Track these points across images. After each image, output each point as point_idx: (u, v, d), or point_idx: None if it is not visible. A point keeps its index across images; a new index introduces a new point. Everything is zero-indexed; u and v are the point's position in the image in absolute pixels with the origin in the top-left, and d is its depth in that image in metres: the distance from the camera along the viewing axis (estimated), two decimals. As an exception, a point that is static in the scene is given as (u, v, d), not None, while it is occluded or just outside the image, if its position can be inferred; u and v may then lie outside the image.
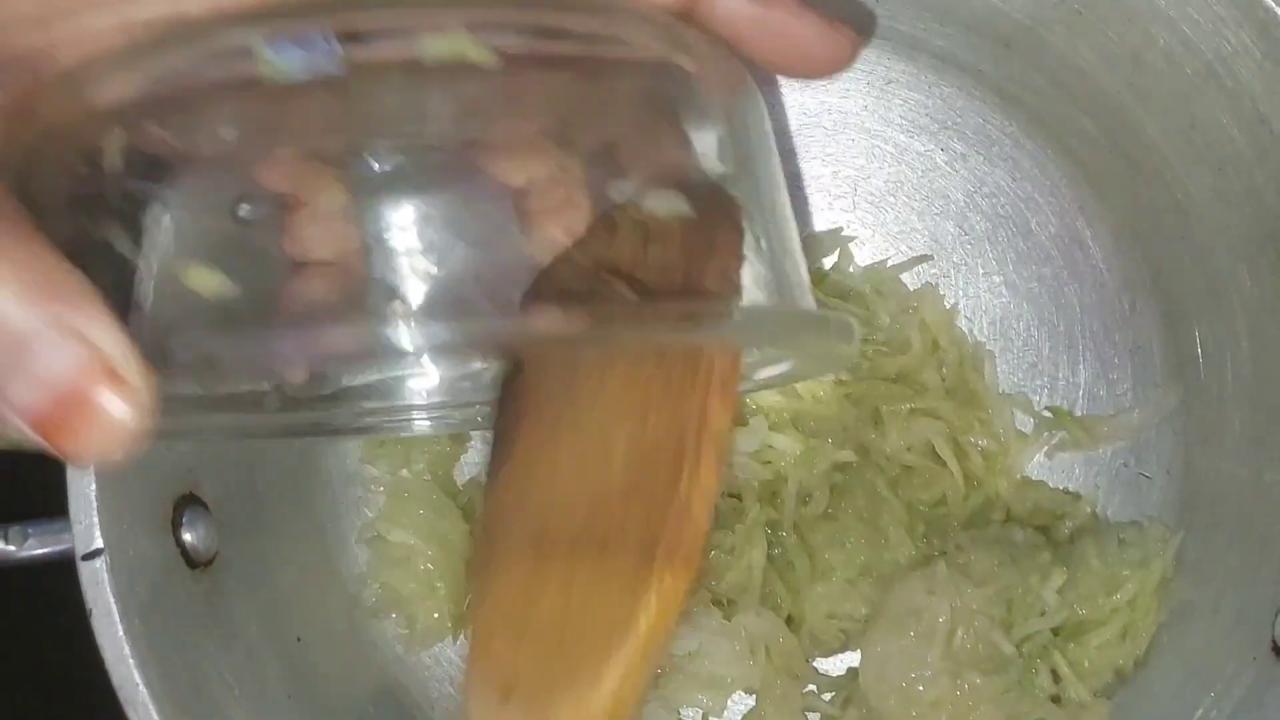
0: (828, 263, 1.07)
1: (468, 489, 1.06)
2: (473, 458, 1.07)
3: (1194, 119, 0.92)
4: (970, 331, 1.06)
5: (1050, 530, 1.02)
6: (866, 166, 1.07)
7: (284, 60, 0.55)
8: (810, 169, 1.07)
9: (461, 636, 1.04)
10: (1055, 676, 0.97)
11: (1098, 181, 1.04)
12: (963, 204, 1.06)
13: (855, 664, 1.01)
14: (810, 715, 1.01)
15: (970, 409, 1.04)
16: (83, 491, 0.81)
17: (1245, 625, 0.92)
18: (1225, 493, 0.99)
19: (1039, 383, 1.07)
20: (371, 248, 0.61)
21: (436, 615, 1.03)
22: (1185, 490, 1.03)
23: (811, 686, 1.02)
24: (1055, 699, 0.97)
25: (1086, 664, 0.97)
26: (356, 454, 1.06)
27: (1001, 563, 0.95)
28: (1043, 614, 0.96)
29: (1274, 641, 0.89)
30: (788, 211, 0.67)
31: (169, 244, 0.59)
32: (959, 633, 0.94)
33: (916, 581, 0.96)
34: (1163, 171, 0.97)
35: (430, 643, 1.04)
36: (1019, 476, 1.04)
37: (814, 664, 1.04)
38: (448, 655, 1.06)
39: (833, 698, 1.01)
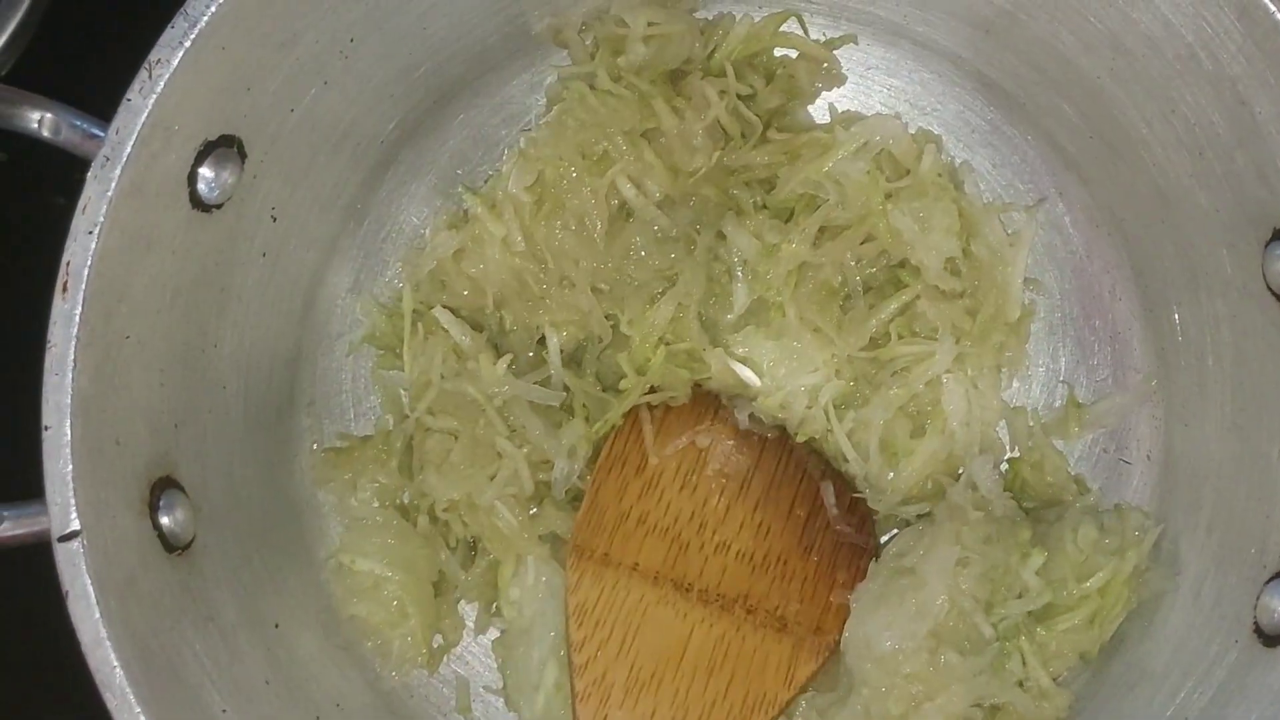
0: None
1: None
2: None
3: (1174, 103, 0.92)
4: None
5: (1040, 511, 1.02)
6: (847, 153, 1.07)
7: None
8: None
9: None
10: (1024, 660, 0.97)
11: (1077, 166, 1.05)
12: (943, 190, 1.06)
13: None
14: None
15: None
16: (59, 473, 0.80)
17: (1226, 608, 0.92)
18: (1205, 476, 0.99)
19: (1019, 369, 1.06)
20: None
21: (410, 640, 1.03)
22: (1165, 475, 1.04)
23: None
24: (1022, 683, 0.98)
25: (1053, 646, 0.97)
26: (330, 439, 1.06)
27: (987, 538, 0.95)
28: (1021, 596, 0.96)
29: (1255, 624, 0.89)
30: None
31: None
32: (942, 609, 0.95)
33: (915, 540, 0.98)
34: (1143, 156, 0.97)
35: (406, 668, 1.04)
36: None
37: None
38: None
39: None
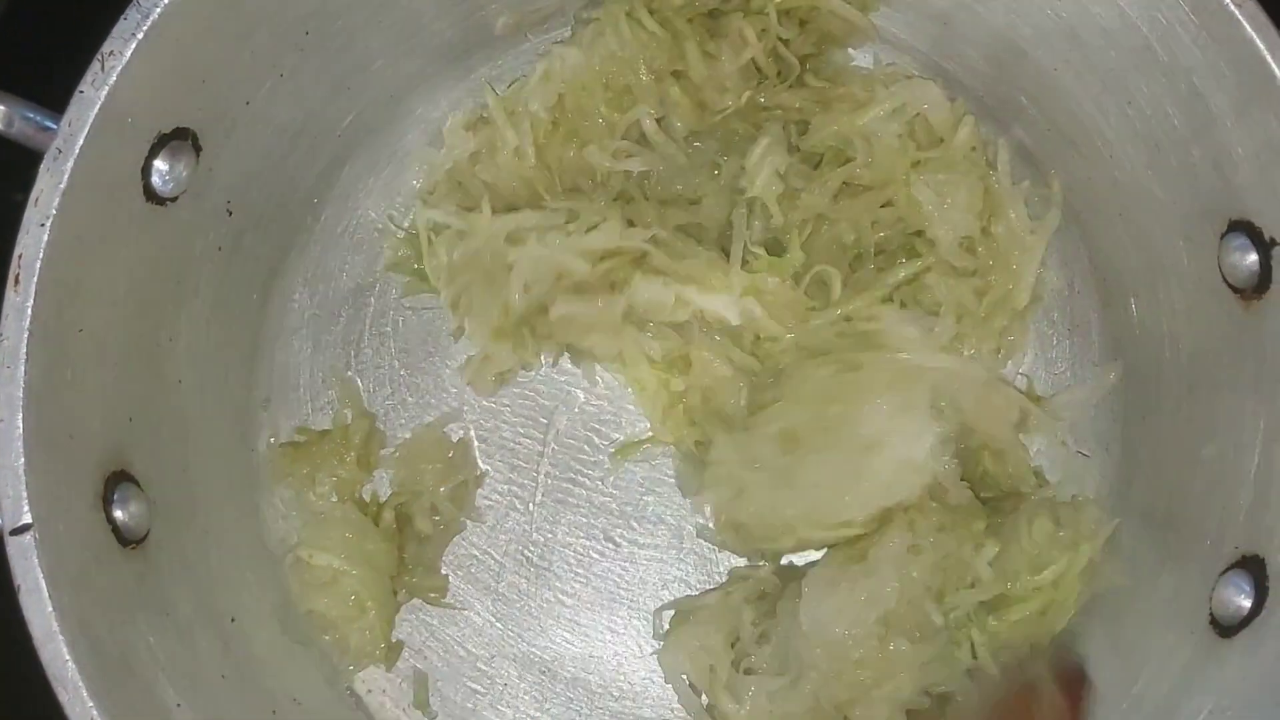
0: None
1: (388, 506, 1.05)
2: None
3: (1131, 95, 0.92)
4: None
5: (997, 502, 1.02)
6: (807, 146, 1.07)
7: None
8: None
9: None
10: (974, 650, 0.98)
11: (1035, 161, 1.05)
12: (902, 184, 1.06)
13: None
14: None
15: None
16: (10, 465, 0.79)
17: (1182, 600, 0.92)
18: (1162, 469, 0.99)
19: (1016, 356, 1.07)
20: None
21: (369, 634, 1.02)
22: (1123, 467, 1.04)
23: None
24: (971, 673, 0.98)
25: (1004, 636, 0.97)
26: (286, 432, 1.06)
27: (941, 527, 0.96)
28: (973, 585, 0.97)
29: (1211, 615, 0.89)
30: None
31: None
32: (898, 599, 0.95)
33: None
34: (1100, 149, 0.97)
35: (363, 663, 1.04)
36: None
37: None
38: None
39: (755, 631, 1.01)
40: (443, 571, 1.06)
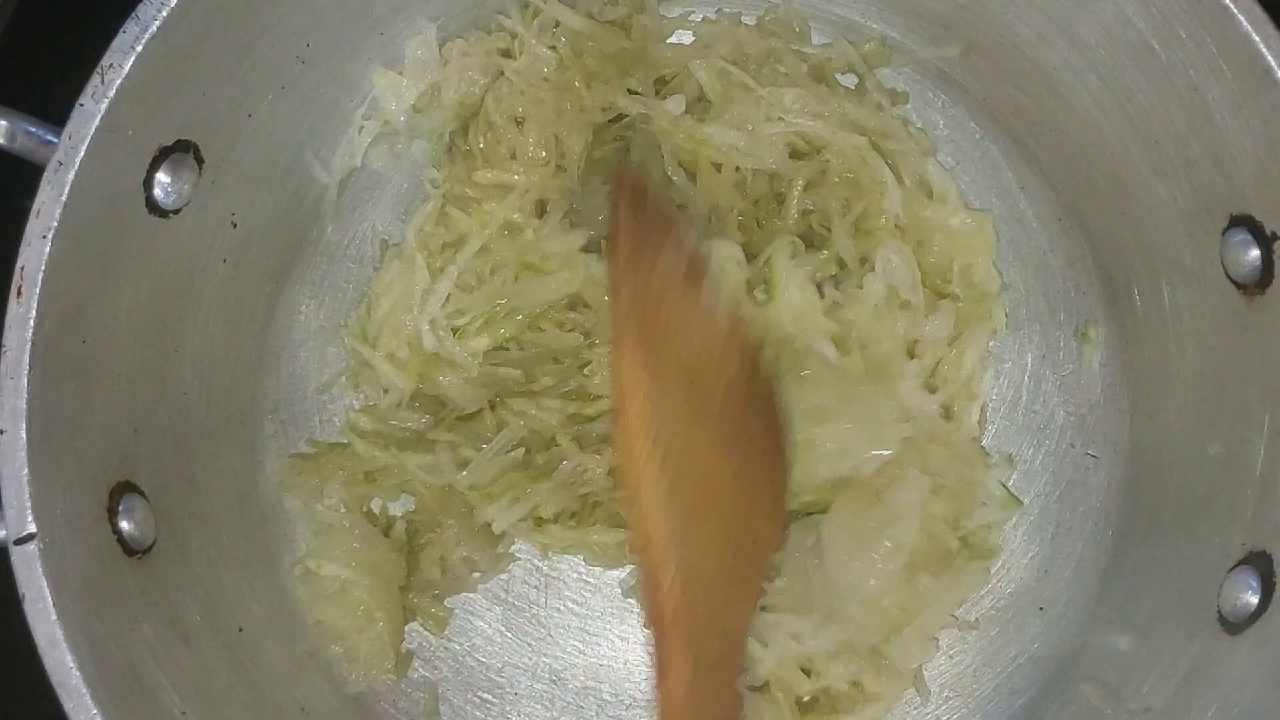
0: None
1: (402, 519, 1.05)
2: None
3: (1129, 91, 0.92)
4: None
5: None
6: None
7: None
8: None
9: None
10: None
11: (1038, 161, 1.05)
12: (907, 189, 1.06)
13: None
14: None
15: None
16: (15, 475, 0.80)
17: (1191, 598, 0.92)
18: (1170, 468, 0.99)
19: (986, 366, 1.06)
20: None
21: (378, 645, 1.02)
22: (1131, 467, 1.03)
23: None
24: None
25: None
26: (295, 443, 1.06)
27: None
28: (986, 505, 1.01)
29: (1219, 612, 0.89)
30: None
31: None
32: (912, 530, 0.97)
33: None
34: (1100, 147, 0.97)
35: (373, 674, 1.03)
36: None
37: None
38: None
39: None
40: (447, 605, 1.06)
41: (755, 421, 0.95)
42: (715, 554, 0.89)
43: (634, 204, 0.94)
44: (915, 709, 1.04)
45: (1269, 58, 0.82)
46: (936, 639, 1.02)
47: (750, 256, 1.00)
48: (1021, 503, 1.04)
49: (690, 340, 0.92)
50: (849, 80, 1.07)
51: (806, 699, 1.01)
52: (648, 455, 0.86)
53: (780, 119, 1.01)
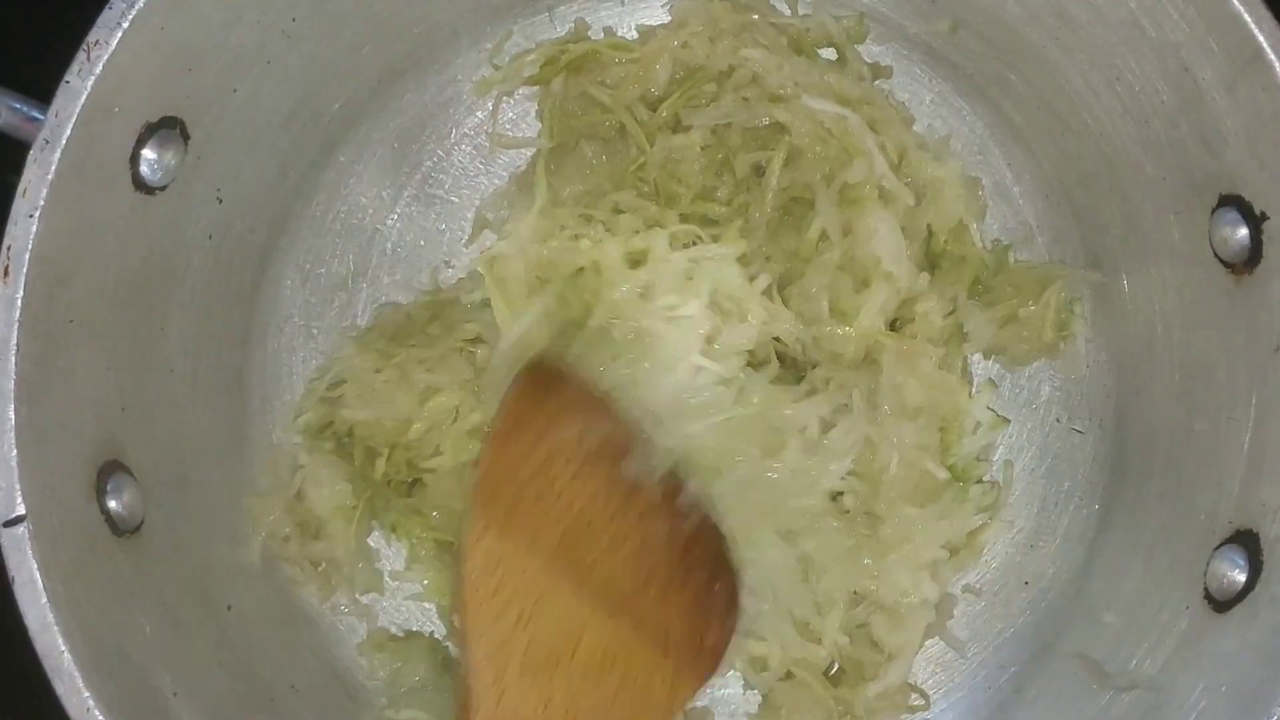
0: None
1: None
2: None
3: (1118, 71, 0.92)
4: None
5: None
6: (796, 126, 1.06)
7: None
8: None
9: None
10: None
11: (1025, 138, 1.05)
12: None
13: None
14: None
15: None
16: (2, 456, 0.80)
17: (1177, 575, 0.92)
18: (1156, 444, 0.99)
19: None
20: None
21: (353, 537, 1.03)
22: (1117, 443, 1.04)
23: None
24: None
25: None
26: (282, 421, 1.05)
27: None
28: (975, 431, 1.01)
29: (1206, 590, 0.89)
30: None
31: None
32: (893, 464, 0.97)
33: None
34: (1089, 126, 0.97)
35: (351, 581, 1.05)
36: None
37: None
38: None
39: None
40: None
41: (690, 581, 0.95)
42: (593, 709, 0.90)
43: (532, 386, 0.95)
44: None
45: (1260, 37, 0.82)
46: (934, 577, 0.99)
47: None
48: (1008, 421, 1.05)
49: (576, 510, 0.92)
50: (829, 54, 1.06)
51: (833, 671, 1.02)
52: (482, 608, 0.88)
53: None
